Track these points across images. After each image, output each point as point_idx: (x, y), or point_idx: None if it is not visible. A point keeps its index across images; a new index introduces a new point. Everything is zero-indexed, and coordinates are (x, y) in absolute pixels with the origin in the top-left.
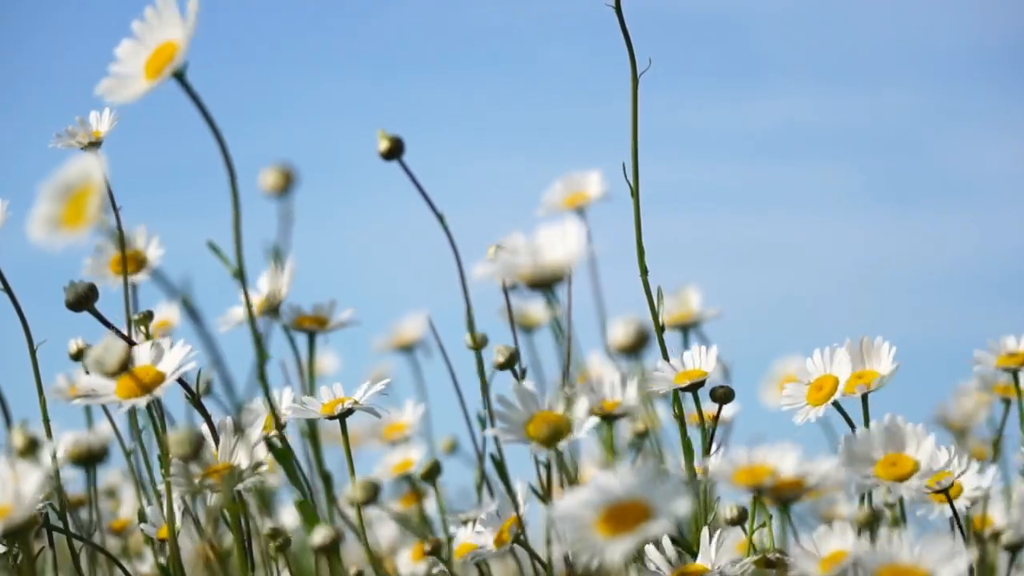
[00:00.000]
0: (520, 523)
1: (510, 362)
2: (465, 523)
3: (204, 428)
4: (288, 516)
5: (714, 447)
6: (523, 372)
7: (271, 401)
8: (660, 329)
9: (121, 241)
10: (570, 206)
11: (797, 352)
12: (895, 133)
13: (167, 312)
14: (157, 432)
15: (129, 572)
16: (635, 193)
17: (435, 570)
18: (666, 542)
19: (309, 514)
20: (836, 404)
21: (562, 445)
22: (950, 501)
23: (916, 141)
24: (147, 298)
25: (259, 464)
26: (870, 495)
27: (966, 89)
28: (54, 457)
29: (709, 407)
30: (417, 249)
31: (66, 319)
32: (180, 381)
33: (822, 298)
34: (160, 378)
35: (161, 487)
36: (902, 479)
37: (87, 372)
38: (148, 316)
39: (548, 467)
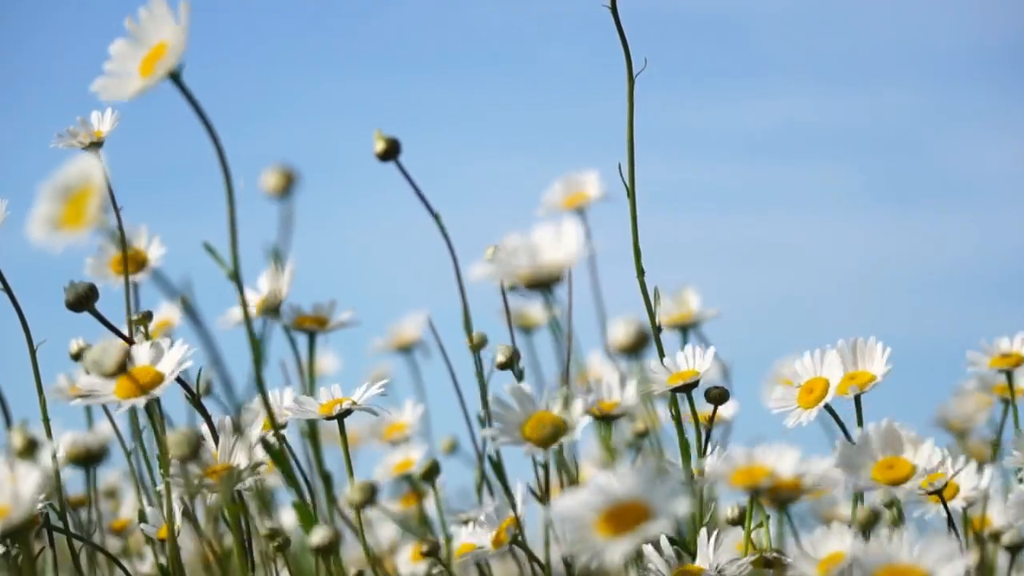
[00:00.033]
0: (518, 524)
1: (511, 362)
2: (465, 523)
3: (204, 428)
4: (288, 516)
5: (711, 447)
6: (521, 373)
7: (267, 402)
8: (657, 330)
9: (122, 241)
10: (570, 206)
11: (797, 352)
12: (895, 133)
13: (168, 312)
14: (156, 432)
15: (129, 572)
16: (631, 194)
17: (435, 570)
18: (664, 542)
19: (306, 515)
20: (828, 407)
21: (557, 446)
22: (943, 502)
23: (916, 141)
24: (149, 298)
25: (258, 464)
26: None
27: (966, 89)
28: (54, 457)
29: (709, 408)
30: (417, 249)
31: (66, 319)
32: (180, 381)
33: (822, 298)
34: (159, 378)
35: (161, 487)
36: (899, 483)
37: (87, 372)
38: (147, 316)
39: (546, 468)
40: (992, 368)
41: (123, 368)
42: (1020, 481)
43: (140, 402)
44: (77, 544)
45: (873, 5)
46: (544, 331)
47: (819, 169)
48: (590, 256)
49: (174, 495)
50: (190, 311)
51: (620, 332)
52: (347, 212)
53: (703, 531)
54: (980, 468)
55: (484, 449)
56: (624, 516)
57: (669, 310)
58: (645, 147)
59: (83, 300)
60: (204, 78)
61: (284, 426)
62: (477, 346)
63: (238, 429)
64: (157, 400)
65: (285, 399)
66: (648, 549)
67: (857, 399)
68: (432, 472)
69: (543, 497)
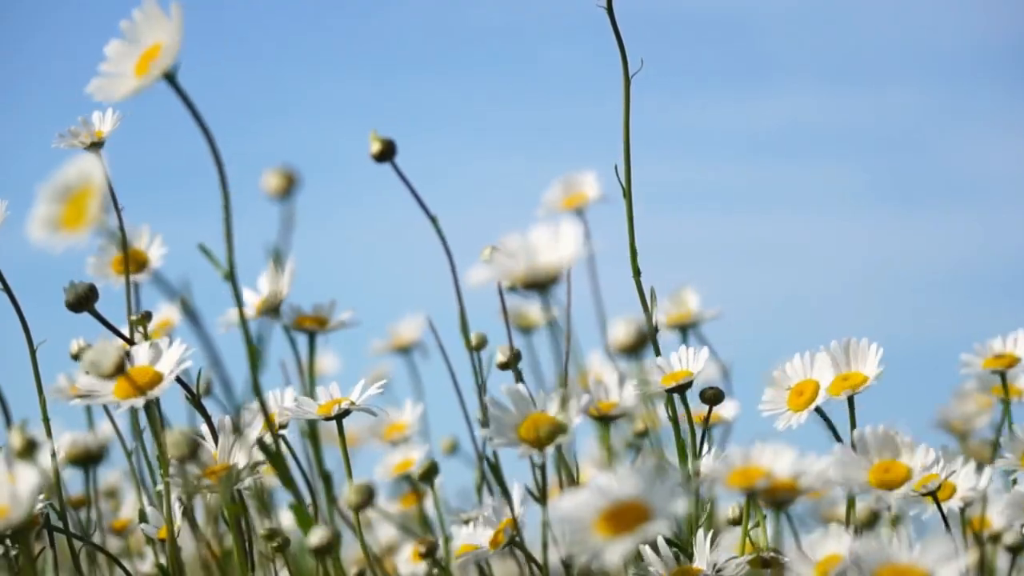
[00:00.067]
0: (515, 524)
1: (512, 362)
2: (466, 523)
3: (204, 428)
4: (287, 516)
5: (709, 448)
6: (519, 374)
7: (263, 403)
8: (653, 330)
9: (123, 241)
10: (569, 207)
11: (800, 352)
12: (899, 133)
13: (169, 312)
14: (156, 432)
15: (129, 572)
16: (627, 194)
17: (435, 570)
18: (661, 543)
19: (303, 516)
20: (819, 410)
21: (552, 448)
22: (937, 503)
23: (920, 141)
24: (150, 298)
25: (257, 465)
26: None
27: (970, 89)
28: (54, 456)
29: (708, 409)
30: (417, 249)
31: (66, 319)
32: (180, 382)
33: (826, 298)
34: (158, 378)
35: (161, 487)
36: (894, 487)
37: (85, 374)
38: (147, 316)
39: (543, 469)
40: (986, 369)
41: (121, 369)
42: (1014, 482)
43: (139, 402)
44: (77, 544)
45: (877, 5)
46: (544, 331)
47: (823, 169)
48: (589, 256)
49: (173, 495)
50: (189, 312)
51: (620, 332)
52: (347, 212)
53: (700, 532)
54: (979, 469)
55: (484, 449)
56: (624, 516)
57: (669, 310)
58: (648, 147)
59: (83, 300)
60: (204, 78)
61: (285, 426)
62: (477, 346)
63: (237, 429)
64: (156, 400)
65: (286, 399)
66: (646, 550)
67: (850, 400)
68: (431, 473)
69: (541, 498)
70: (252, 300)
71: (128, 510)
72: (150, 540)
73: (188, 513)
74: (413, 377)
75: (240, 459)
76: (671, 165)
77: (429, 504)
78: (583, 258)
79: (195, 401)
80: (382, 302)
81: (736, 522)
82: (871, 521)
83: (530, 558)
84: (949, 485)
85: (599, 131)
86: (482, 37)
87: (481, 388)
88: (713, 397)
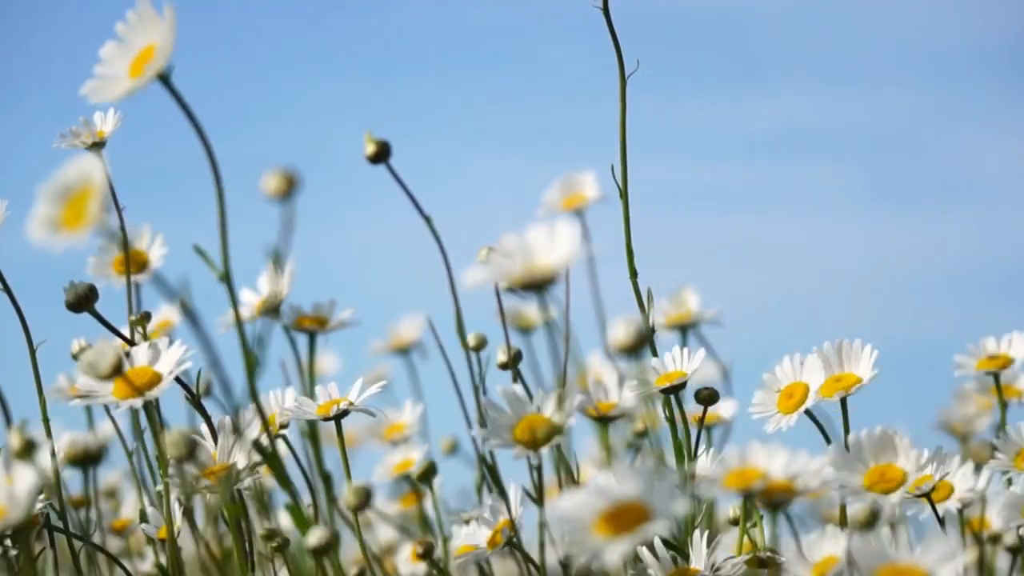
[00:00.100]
0: (513, 525)
1: (513, 362)
2: (466, 523)
3: (204, 429)
4: (287, 517)
5: (708, 448)
6: (515, 375)
7: (260, 408)
8: (650, 331)
9: (124, 241)
10: (569, 207)
11: (798, 352)
12: (895, 133)
13: (169, 312)
14: (155, 433)
15: (130, 572)
16: (624, 195)
17: (434, 571)
18: (658, 544)
19: (300, 517)
20: (808, 412)
21: (547, 448)
22: (932, 504)
23: (916, 141)
24: (151, 298)
25: (256, 465)
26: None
27: (966, 89)
28: (53, 457)
29: (712, 409)
30: (417, 249)
31: (66, 319)
32: (180, 382)
33: (822, 298)
34: (157, 379)
35: (160, 487)
36: (890, 491)
37: (83, 375)
38: (146, 317)
39: (539, 470)
40: (979, 371)
41: (118, 370)
42: (1009, 483)
43: (138, 403)
44: (77, 544)
45: (873, 5)
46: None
47: (819, 169)
48: (589, 257)
49: (173, 495)
50: (188, 312)
51: (620, 332)
52: (347, 212)
53: (696, 532)
54: (976, 469)
55: (484, 450)
56: (623, 517)
57: (668, 310)
58: (645, 147)
59: (83, 301)
60: (204, 78)
61: (286, 426)
62: (477, 347)
63: (237, 430)
64: (156, 401)
65: (287, 399)
66: (643, 552)
67: (843, 402)
68: (429, 473)
69: (538, 499)
70: (252, 300)
71: (128, 510)
72: (150, 540)
73: (188, 513)
74: (412, 377)
75: (239, 460)
76: (668, 165)
77: (429, 504)
78: (581, 258)
79: (195, 401)
80: (382, 302)
81: (736, 522)
82: (870, 521)
83: (527, 558)
84: (946, 485)
85: (599, 131)
86: (482, 37)
87: (478, 389)
88: (708, 398)
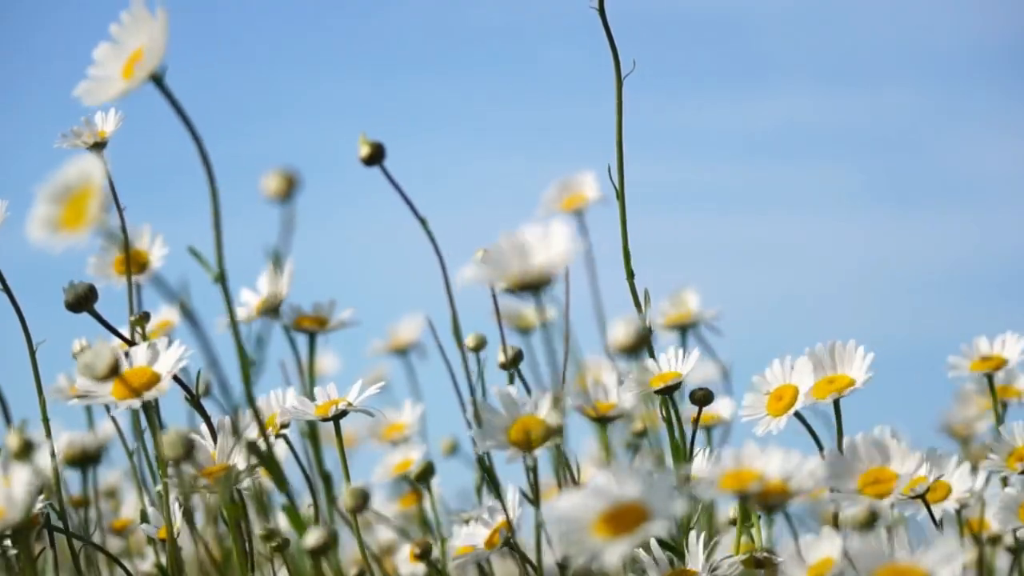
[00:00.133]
0: (510, 526)
1: (513, 362)
2: (467, 523)
3: (204, 429)
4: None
5: (704, 450)
6: (512, 376)
7: (255, 406)
8: (648, 332)
9: (125, 241)
10: (568, 208)
11: (797, 353)
12: (895, 133)
13: (169, 313)
14: (155, 433)
15: (130, 572)
16: (620, 196)
17: (434, 571)
18: (654, 545)
19: (296, 519)
20: (798, 414)
21: (541, 450)
22: (927, 505)
23: (916, 141)
24: (151, 298)
25: (255, 465)
26: None
27: (966, 89)
28: (53, 457)
29: (707, 410)
30: (417, 250)
31: (66, 319)
32: (180, 382)
33: (822, 298)
34: (155, 379)
35: (160, 487)
36: (884, 494)
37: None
38: (145, 317)
39: (534, 471)
40: (973, 372)
41: (115, 372)
42: (1004, 484)
43: (136, 403)
44: (77, 544)
45: (873, 5)
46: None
47: (819, 169)
48: (588, 257)
49: (173, 495)
50: (187, 313)
51: (620, 332)
52: (347, 212)
53: (693, 533)
54: (974, 470)
55: (479, 451)
56: (622, 517)
57: (668, 311)
58: (644, 147)
59: (82, 301)
60: (204, 78)
61: (287, 425)
62: (476, 348)
63: (236, 431)
64: (156, 400)
65: (288, 399)
66: (639, 553)
67: (836, 403)
68: (426, 474)
69: (534, 500)
70: (252, 300)
71: (128, 510)
72: (151, 540)
73: (187, 514)
74: (411, 378)
75: (238, 460)
76: (667, 166)
77: (429, 505)
78: (581, 259)
79: (194, 402)
80: (382, 302)
81: (735, 522)
82: (870, 522)
83: (525, 559)
84: (944, 486)
85: (599, 131)
86: (482, 37)
87: (474, 390)
88: (703, 398)
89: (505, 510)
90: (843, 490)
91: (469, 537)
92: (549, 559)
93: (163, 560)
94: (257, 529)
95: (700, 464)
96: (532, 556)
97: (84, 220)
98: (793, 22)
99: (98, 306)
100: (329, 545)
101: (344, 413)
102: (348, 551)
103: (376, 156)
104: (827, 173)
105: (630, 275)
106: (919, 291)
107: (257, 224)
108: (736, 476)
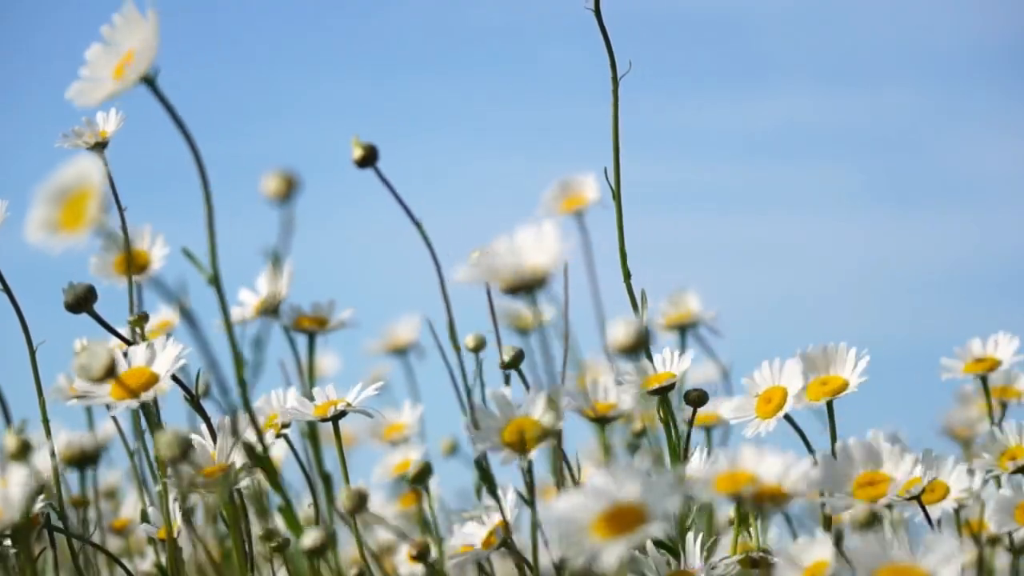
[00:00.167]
0: (507, 527)
1: (515, 361)
2: (467, 521)
3: (204, 429)
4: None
5: (704, 450)
6: (507, 377)
7: (250, 408)
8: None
9: (125, 241)
10: (568, 209)
11: (797, 353)
12: (895, 133)
13: (169, 313)
14: (153, 432)
15: (130, 571)
16: (617, 197)
17: (431, 572)
18: (650, 546)
19: (293, 520)
20: (787, 417)
21: (536, 451)
22: (922, 506)
23: (916, 141)
24: (152, 298)
25: (252, 466)
26: None
27: (966, 89)
28: (53, 457)
29: (706, 411)
30: (417, 250)
31: (66, 319)
32: (179, 383)
33: (822, 298)
34: (154, 379)
35: (160, 487)
36: (878, 498)
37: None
38: (143, 318)
39: (530, 472)
40: (966, 374)
41: (111, 373)
42: (998, 484)
43: (134, 404)
44: (77, 544)
45: (873, 5)
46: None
47: (819, 169)
48: (588, 257)
49: (172, 496)
50: (186, 313)
51: (620, 332)
52: (347, 212)
53: (690, 534)
54: (971, 471)
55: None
56: (621, 518)
57: (668, 311)
58: (644, 147)
59: (82, 301)
60: (205, 78)
61: (288, 425)
62: (476, 348)
63: (235, 431)
64: (155, 400)
65: (289, 399)
66: (636, 555)
67: (829, 405)
68: (423, 474)
69: (529, 500)
70: (251, 300)
71: (128, 510)
72: (151, 540)
73: (187, 514)
74: (409, 378)
75: (237, 460)
76: (667, 166)
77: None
78: (579, 259)
79: (194, 402)
80: (382, 303)
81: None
82: (870, 521)
83: (522, 559)
84: (942, 486)
85: (599, 131)
86: (482, 37)
87: (470, 391)
88: (697, 399)
89: (501, 510)
90: (837, 494)
91: (467, 537)
92: (546, 559)
93: (163, 560)
94: (256, 529)
95: (697, 464)
96: (529, 556)
97: (83, 221)
98: (793, 22)
99: (99, 306)
100: (326, 546)
101: (343, 414)
102: (349, 552)
103: (369, 158)
104: (827, 173)
105: (627, 276)
106: (919, 291)
107: (257, 224)
108: (730, 478)
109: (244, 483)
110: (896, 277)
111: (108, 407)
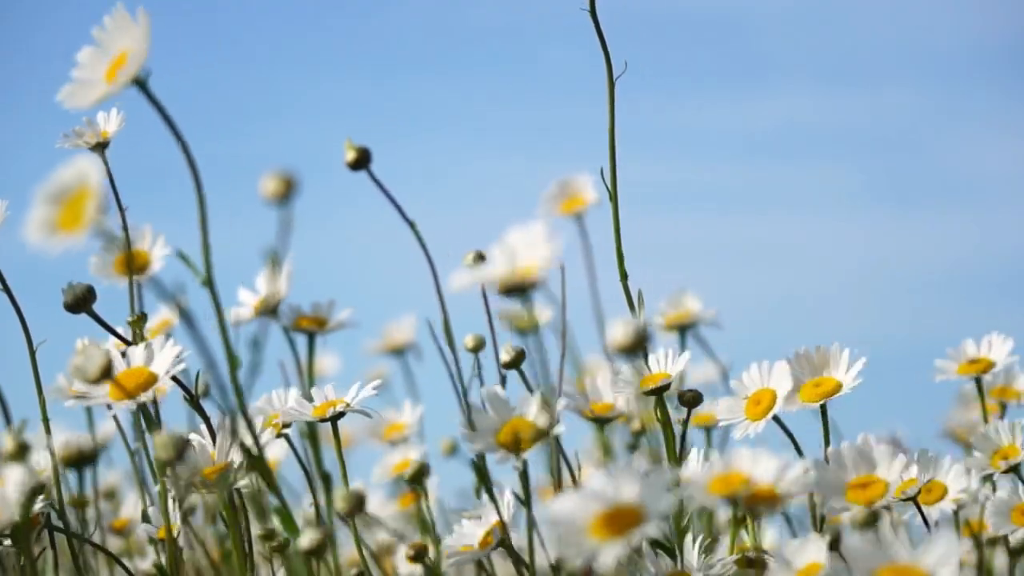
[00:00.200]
0: (504, 527)
1: (516, 361)
2: (466, 521)
3: (204, 429)
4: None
5: (702, 451)
6: (504, 378)
7: (245, 409)
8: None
9: (126, 241)
10: (567, 211)
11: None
12: (895, 133)
13: (169, 313)
14: (152, 433)
15: (130, 571)
16: (613, 198)
17: (429, 572)
18: (646, 549)
19: (289, 521)
20: (776, 419)
21: (531, 451)
22: (919, 507)
23: (916, 141)
24: (152, 298)
25: (248, 466)
26: None
27: (966, 89)
28: (53, 456)
29: (706, 412)
30: (417, 250)
31: (66, 319)
32: (179, 383)
33: (822, 298)
34: (152, 379)
35: (160, 487)
36: (872, 501)
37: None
38: (142, 318)
39: (525, 473)
40: (960, 375)
41: (107, 374)
42: (992, 484)
43: (132, 404)
44: (77, 544)
45: (873, 5)
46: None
47: (819, 169)
48: (587, 258)
49: (170, 496)
50: (184, 314)
51: (619, 332)
52: (346, 212)
53: (688, 535)
54: (968, 471)
55: (470, 453)
56: (618, 519)
57: (667, 311)
58: (644, 147)
59: (81, 302)
60: (204, 78)
61: (288, 425)
62: (475, 348)
63: (233, 431)
64: (154, 400)
65: (290, 399)
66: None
67: (823, 407)
68: (420, 475)
69: (525, 501)
70: (250, 300)
71: (128, 510)
72: (151, 540)
73: (186, 514)
74: (408, 379)
75: (236, 460)
76: (667, 166)
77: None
78: (578, 259)
79: (194, 402)
80: (381, 303)
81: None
82: (870, 522)
83: (519, 559)
84: (940, 487)
85: (598, 131)
86: (482, 37)
87: (467, 392)
88: (691, 400)
89: (498, 511)
90: (830, 497)
91: (466, 537)
92: (543, 559)
93: (163, 560)
94: (256, 529)
95: (693, 465)
96: (522, 556)
97: (81, 222)
98: (793, 22)
99: (99, 307)
100: (324, 547)
101: (341, 414)
102: (349, 552)
103: (362, 161)
104: (827, 173)
105: (623, 276)
106: (919, 291)
107: (256, 224)
108: (724, 480)
109: (243, 483)
110: (896, 277)
111: (108, 407)
